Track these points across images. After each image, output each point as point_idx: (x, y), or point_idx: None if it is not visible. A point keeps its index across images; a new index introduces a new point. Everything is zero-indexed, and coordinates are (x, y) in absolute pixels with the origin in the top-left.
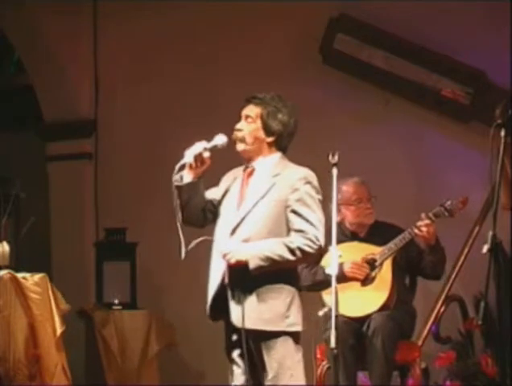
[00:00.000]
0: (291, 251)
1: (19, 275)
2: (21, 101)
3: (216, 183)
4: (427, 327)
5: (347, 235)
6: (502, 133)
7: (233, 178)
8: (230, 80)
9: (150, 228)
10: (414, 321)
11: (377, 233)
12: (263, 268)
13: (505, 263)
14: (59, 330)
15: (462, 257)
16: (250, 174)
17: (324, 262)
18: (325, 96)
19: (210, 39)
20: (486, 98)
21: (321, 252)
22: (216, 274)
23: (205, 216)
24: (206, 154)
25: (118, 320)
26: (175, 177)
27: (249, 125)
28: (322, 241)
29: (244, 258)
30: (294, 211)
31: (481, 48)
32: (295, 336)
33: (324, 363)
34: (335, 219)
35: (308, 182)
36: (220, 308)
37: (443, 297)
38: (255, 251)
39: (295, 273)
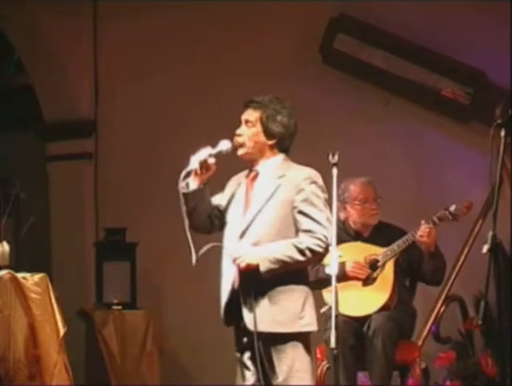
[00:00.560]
0: (301, 251)
1: (19, 275)
2: (21, 101)
3: (220, 188)
4: (427, 327)
5: (350, 234)
6: (502, 133)
7: (237, 183)
8: (230, 79)
9: (150, 228)
10: (415, 321)
11: (380, 234)
12: (274, 271)
13: (505, 263)
14: (62, 331)
15: (462, 257)
16: (254, 177)
17: (326, 260)
18: (325, 96)
19: (210, 38)
20: (486, 98)
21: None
22: (228, 279)
23: (212, 222)
24: (211, 161)
25: (118, 320)
26: (181, 184)
27: (250, 129)
28: (330, 240)
29: (254, 261)
30: (301, 212)
31: (481, 48)
32: (305, 338)
33: (324, 363)
34: (335, 219)
35: (313, 182)
36: (232, 312)
37: (443, 297)
38: (265, 254)
39: (305, 272)
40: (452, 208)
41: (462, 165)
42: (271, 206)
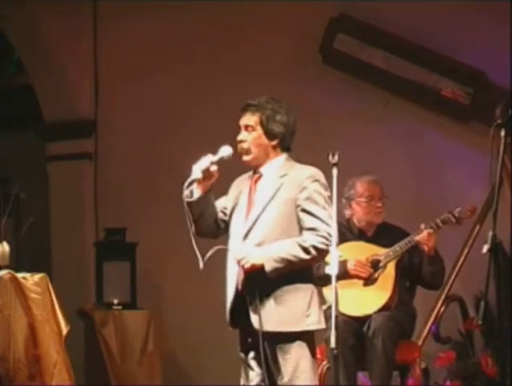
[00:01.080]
0: (305, 250)
1: (19, 275)
2: (21, 101)
3: (223, 192)
4: (427, 327)
5: (354, 232)
6: (502, 133)
7: (241, 185)
8: (230, 79)
9: (150, 228)
10: (415, 321)
11: (383, 234)
12: (279, 270)
13: (505, 263)
14: (64, 330)
15: (462, 257)
16: (258, 179)
17: (328, 258)
18: (325, 96)
19: (210, 38)
20: (486, 98)
21: None
22: (232, 281)
23: (218, 226)
24: (213, 168)
25: (118, 320)
26: (185, 193)
27: (251, 134)
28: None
29: (259, 262)
30: (304, 210)
31: (481, 48)
32: (310, 337)
33: (324, 363)
34: (335, 219)
35: (316, 180)
36: (237, 314)
37: (443, 297)
38: (270, 253)
39: (310, 270)
40: (456, 211)
41: (462, 165)
42: (274, 205)
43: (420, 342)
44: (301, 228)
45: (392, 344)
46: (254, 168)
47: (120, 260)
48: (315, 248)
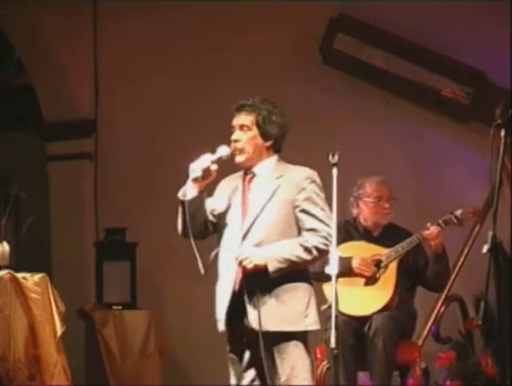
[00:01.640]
0: (308, 250)
1: (19, 275)
2: (21, 101)
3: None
4: (427, 327)
5: (360, 231)
6: (502, 133)
7: (232, 186)
8: (230, 79)
9: (150, 228)
10: (415, 321)
11: (389, 235)
12: (282, 271)
13: (505, 263)
14: (59, 331)
15: (462, 257)
16: (251, 179)
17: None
18: (325, 96)
19: (210, 38)
20: (486, 98)
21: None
22: (228, 281)
23: (207, 228)
24: (213, 167)
25: (118, 320)
26: (180, 192)
27: (246, 133)
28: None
29: (262, 262)
30: (304, 211)
31: (481, 48)
32: (305, 338)
33: (324, 363)
34: (335, 219)
35: (313, 181)
36: (232, 314)
37: (443, 297)
38: (272, 254)
39: (307, 270)
40: (458, 213)
41: (462, 165)
42: (272, 206)
43: (420, 342)
44: (299, 229)
45: (393, 344)
46: (246, 168)
47: (120, 260)
48: (316, 248)
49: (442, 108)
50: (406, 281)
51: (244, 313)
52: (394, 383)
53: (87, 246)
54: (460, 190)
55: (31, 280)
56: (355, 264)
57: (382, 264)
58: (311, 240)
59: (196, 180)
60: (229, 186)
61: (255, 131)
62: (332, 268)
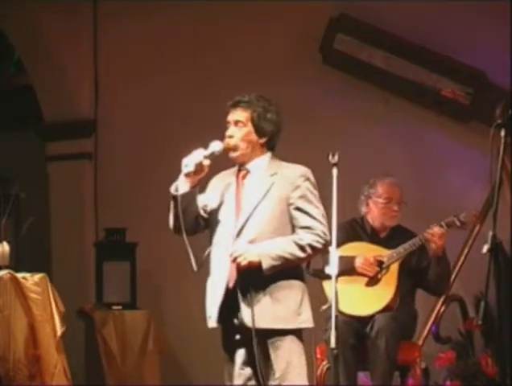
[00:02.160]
0: (302, 248)
1: (19, 275)
2: (21, 101)
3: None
4: (427, 327)
5: (367, 231)
6: (502, 133)
7: (224, 182)
8: (230, 79)
9: (150, 228)
10: (416, 322)
11: (396, 237)
12: (276, 268)
13: (505, 263)
14: (59, 331)
15: (462, 257)
16: (244, 176)
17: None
18: (325, 96)
19: (210, 38)
20: (486, 98)
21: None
22: (221, 278)
23: (198, 224)
24: (206, 162)
25: (118, 320)
26: (172, 187)
27: (241, 129)
28: (329, 236)
29: (256, 259)
30: (298, 208)
31: (480, 48)
32: (300, 335)
33: (324, 363)
34: (335, 218)
35: (307, 179)
36: (224, 311)
37: (443, 297)
38: (266, 251)
39: (301, 268)
40: (462, 216)
41: (462, 165)
42: (266, 203)
43: (420, 343)
44: (293, 226)
45: (395, 344)
46: (239, 165)
47: (120, 260)
48: (310, 246)
49: (442, 108)
50: (408, 282)
51: (237, 310)
52: (394, 383)
53: (87, 246)
54: (460, 190)
55: (31, 280)
56: (358, 263)
57: (384, 265)
58: (306, 238)
59: (188, 175)
60: (221, 182)
61: (250, 127)
62: (332, 269)
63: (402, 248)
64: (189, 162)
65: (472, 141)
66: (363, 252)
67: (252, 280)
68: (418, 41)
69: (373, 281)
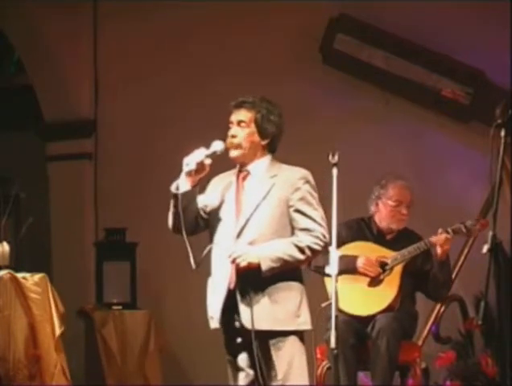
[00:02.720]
0: (301, 250)
1: (19, 275)
2: (21, 101)
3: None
4: (427, 327)
5: (373, 232)
6: (502, 133)
7: (224, 183)
8: (230, 79)
9: (150, 228)
10: (417, 322)
11: (401, 240)
12: (275, 269)
13: (505, 263)
14: (58, 331)
15: (462, 257)
16: (244, 178)
17: (343, 251)
18: (325, 95)
19: (210, 38)
20: (486, 98)
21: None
22: (222, 280)
23: (198, 224)
24: (207, 161)
25: (118, 320)
26: (173, 185)
27: (244, 130)
28: (328, 238)
29: (255, 260)
30: (298, 210)
31: (480, 48)
32: (301, 335)
33: (324, 363)
34: (335, 219)
35: (308, 181)
36: (226, 313)
37: None
38: (266, 252)
39: (300, 269)
40: (468, 223)
41: (462, 165)
42: (266, 205)
43: (420, 343)
44: (293, 228)
45: (396, 345)
46: (240, 166)
47: (120, 260)
48: (310, 248)
49: (442, 108)
50: (410, 283)
51: (238, 311)
52: (394, 383)
53: (87, 246)
54: (460, 190)
55: (31, 280)
56: (359, 263)
57: (387, 267)
58: (305, 240)
59: (189, 174)
60: (221, 183)
61: (253, 128)
62: (332, 269)
63: (407, 251)
64: (190, 161)
65: (472, 141)
66: (367, 252)
67: (251, 281)
68: (418, 41)
69: (375, 281)
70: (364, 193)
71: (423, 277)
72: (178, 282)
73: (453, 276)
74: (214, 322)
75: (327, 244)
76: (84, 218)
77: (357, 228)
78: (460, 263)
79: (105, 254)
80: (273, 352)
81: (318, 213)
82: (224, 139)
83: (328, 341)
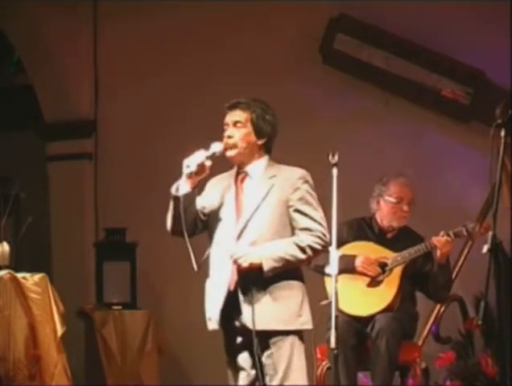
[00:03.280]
0: (302, 249)
1: (19, 275)
2: (21, 101)
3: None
4: (427, 327)
5: (374, 230)
6: (502, 133)
7: (223, 184)
8: (230, 79)
9: (150, 228)
10: (417, 323)
11: (402, 239)
12: (277, 269)
13: (505, 263)
14: (60, 331)
15: (462, 257)
16: (243, 179)
17: (342, 251)
18: (325, 95)
19: (210, 38)
20: (486, 98)
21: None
22: (221, 282)
23: (196, 225)
24: (208, 163)
25: (118, 320)
26: (173, 188)
27: (240, 130)
28: (329, 237)
29: (257, 261)
30: (298, 210)
31: (480, 48)
32: (301, 335)
33: (324, 363)
34: (335, 218)
35: (306, 181)
36: (225, 314)
37: None
38: (268, 253)
39: (300, 269)
40: (470, 226)
41: (462, 165)
42: (266, 206)
43: (420, 343)
44: (292, 228)
45: (396, 345)
46: (238, 167)
47: (120, 260)
48: (311, 248)
49: (442, 108)
50: (410, 283)
51: (239, 312)
52: (394, 383)
53: (87, 246)
54: (460, 190)
55: (31, 280)
56: (358, 262)
57: (387, 268)
58: (306, 240)
59: (190, 176)
60: (220, 184)
61: (249, 128)
62: (332, 269)
63: (408, 253)
64: (191, 163)
65: (472, 141)
66: (368, 252)
67: (253, 281)
68: (418, 41)
69: (375, 281)
70: (364, 193)
71: (423, 278)
72: (178, 282)
73: (453, 276)
74: (212, 324)
75: (327, 244)
76: (84, 218)
77: (358, 228)
78: (460, 263)
79: (105, 254)
80: (273, 351)
81: (318, 213)
82: (221, 140)
83: (328, 341)
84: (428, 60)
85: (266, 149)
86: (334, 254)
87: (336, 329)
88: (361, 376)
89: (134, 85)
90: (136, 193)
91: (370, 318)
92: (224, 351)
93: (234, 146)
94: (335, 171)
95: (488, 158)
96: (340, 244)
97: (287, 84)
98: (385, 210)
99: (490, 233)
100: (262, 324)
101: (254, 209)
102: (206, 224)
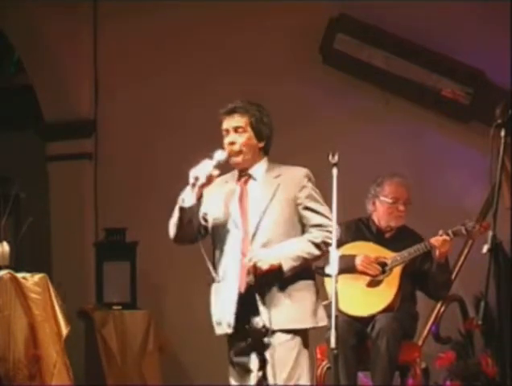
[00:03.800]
0: (317, 246)
1: (19, 275)
2: (21, 101)
3: None
4: (427, 327)
5: (372, 231)
6: (502, 133)
7: (225, 189)
8: (230, 79)
9: (150, 228)
10: (417, 323)
11: (401, 238)
12: (296, 269)
13: (505, 263)
14: (64, 331)
15: (462, 257)
16: (246, 182)
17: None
18: (325, 95)
19: (210, 38)
20: (486, 98)
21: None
22: (232, 286)
23: (199, 232)
24: (215, 173)
25: (118, 320)
26: (180, 199)
27: (242, 135)
28: (339, 230)
29: (276, 262)
30: (307, 208)
31: (480, 48)
32: (307, 336)
33: (324, 363)
34: (335, 218)
35: (310, 179)
36: (238, 316)
37: None
38: (285, 253)
39: (311, 267)
40: (469, 225)
41: (462, 165)
42: (275, 206)
43: (420, 343)
44: (303, 226)
45: (396, 345)
46: (240, 171)
47: (120, 260)
48: (325, 243)
49: (442, 108)
50: (410, 282)
51: (249, 315)
52: (394, 383)
53: (87, 246)
54: (460, 190)
55: (31, 280)
56: (358, 261)
57: (387, 268)
58: (319, 236)
59: (193, 185)
60: (219, 189)
61: (250, 132)
62: (331, 269)
63: (407, 253)
64: (200, 174)
65: (472, 141)
66: (367, 252)
67: (269, 283)
68: (418, 41)
69: (375, 281)
70: (364, 193)
71: (422, 277)
72: (178, 282)
73: (453, 276)
74: (222, 328)
75: (339, 237)
76: (84, 218)
77: (356, 229)
78: (460, 263)
79: (105, 254)
80: (281, 352)
81: (326, 208)
82: (222, 145)
83: (328, 341)
84: (428, 60)
85: (265, 150)
86: (334, 254)
87: (336, 329)
88: (361, 376)
89: (134, 85)
90: (136, 193)
91: (370, 318)
92: (227, 352)
93: (239, 153)
94: (335, 171)
95: (488, 158)
96: (338, 246)
97: (287, 84)
98: (381, 210)
99: (490, 233)
100: (279, 323)
101: (263, 211)
102: (210, 230)
